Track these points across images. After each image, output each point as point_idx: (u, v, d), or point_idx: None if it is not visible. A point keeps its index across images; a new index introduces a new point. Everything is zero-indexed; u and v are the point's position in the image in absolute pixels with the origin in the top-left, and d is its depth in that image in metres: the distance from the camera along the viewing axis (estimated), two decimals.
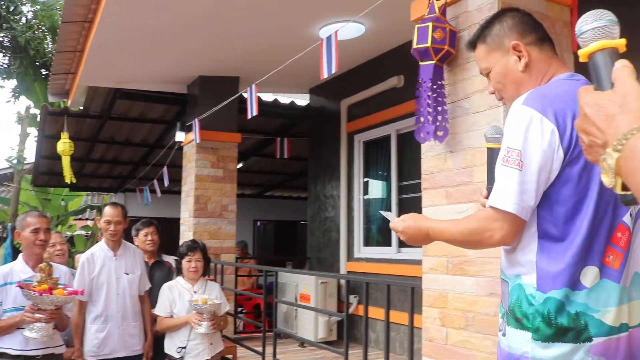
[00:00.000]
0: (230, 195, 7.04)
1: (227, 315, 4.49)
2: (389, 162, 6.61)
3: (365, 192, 7.08)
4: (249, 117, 4.81)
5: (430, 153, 3.16)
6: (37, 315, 3.21)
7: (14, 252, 8.05)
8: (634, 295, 1.49)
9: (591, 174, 1.45)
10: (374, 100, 6.77)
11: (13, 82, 13.02)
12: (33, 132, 14.14)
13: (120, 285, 3.97)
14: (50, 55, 11.71)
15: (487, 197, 1.74)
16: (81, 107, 8.22)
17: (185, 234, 6.90)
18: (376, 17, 5.13)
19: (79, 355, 3.83)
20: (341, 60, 3.88)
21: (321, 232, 7.72)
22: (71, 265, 4.98)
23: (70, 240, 13.03)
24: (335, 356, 5.48)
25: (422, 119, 3.01)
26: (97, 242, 4.84)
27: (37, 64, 12.34)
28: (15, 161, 13.52)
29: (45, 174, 10.81)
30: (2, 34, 11.83)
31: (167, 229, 6.11)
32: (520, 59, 1.68)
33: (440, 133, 2.98)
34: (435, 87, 2.96)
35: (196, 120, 6.30)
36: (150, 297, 4.17)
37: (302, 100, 8.73)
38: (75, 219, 15.22)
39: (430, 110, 2.97)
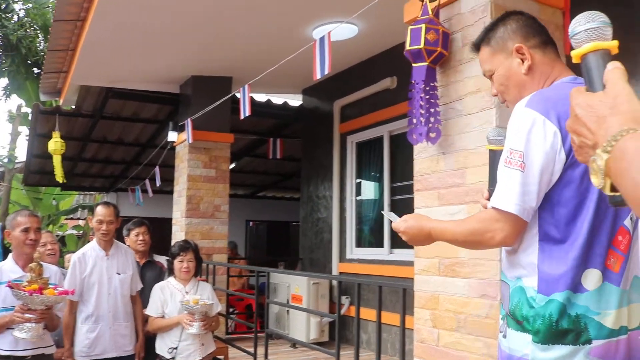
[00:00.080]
0: (222, 196, 7.03)
1: (219, 316, 4.47)
2: (382, 163, 6.62)
3: (358, 193, 7.08)
4: (242, 117, 4.81)
5: (423, 154, 3.16)
6: (27, 316, 3.18)
7: (4, 252, 8.00)
8: (633, 298, 1.50)
9: None
10: (366, 101, 6.78)
11: (4, 81, 12.96)
12: (24, 130, 14.07)
13: (112, 285, 3.95)
14: (42, 53, 11.66)
15: (488, 199, 1.76)
16: (73, 106, 8.18)
17: (177, 234, 6.88)
18: (369, 19, 5.14)
19: (69, 356, 3.80)
20: (334, 61, 3.88)
21: (313, 233, 7.72)
22: (61, 265, 4.95)
23: (62, 240, 12.97)
24: (326, 357, 5.47)
25: (414, 121, 3.02)
26: (88, 242, 4.82)
27: (29, 62, 12.29)
28: (6, 160, 13.45)
29: (37, 173, 10.75)
30: None
31: (159, 229, 6.09)
32: (523, 62, 1.69)
33: (432, 135, 2.98)
34: (427, 88, 2.97)
35: (189, 120, 6.29)
36: (141, 297, 4.16)
37: (295, 100, 8.73)
38: (66, 219, 15.15)
39: (422, 111, 2.97)
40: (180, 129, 7.01)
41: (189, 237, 6.14)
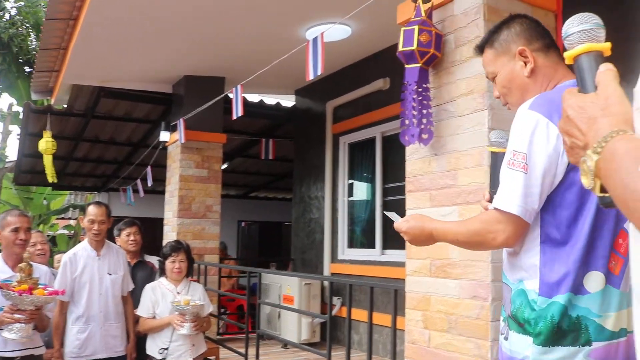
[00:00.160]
0: (214, 196, 7.01)
1: (210, 317, 4.46)
2: (374, 164, 6.62)
3: (350, 194, 7.09)
4: (234, 117, 4.80)
5: (415, 156, 3.17)
6: (17, 316, 3.15)
7: None
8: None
9: None
10: (359, 102, 6.78)
11: None
12: (15, 129, 14.00)
13: (103, 285, 3.93)
14: (34, 52, 11.60)
15: (489, 200, 1.78)
16: (65, 106, 8.14)
17: (169, 234, 6.86)
18: (363, 20, 5.14)
19: (59, 357, 3.78)
20: (327, 62, 3.88)
21: (305, 234, 7.72)
22: (51, 265, 4.92)
23: (53, 240, 12.89)
24: (318, 358, 5.46)
25: (407, 122, 3.02)
26: (79, 242, 4.79)
27: (21, 60, 12.22)
28: None
29: (28, 172, 10.69)
30: None
31: (150, 229, 6.07)
32: (526, 65, 1.70)
33: (425, 136, 2.99)
34: (420, 90, 2.97)
35: (181, 120, 6.27)
36: (132, 298, 4.14)
37: (288, 101, 8.72)
38: (57, 218, 15.06)
39: (415, 113, 2.97)
40: (172, 128, 6.99)
41: (180, 238, 6.12)
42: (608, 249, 1.48)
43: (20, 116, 11.32)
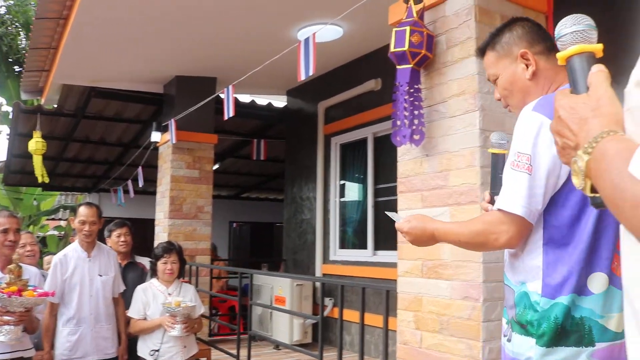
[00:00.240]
0: (206, 197, 6.99)
1: (202, 318, 4.45)
2: (366, 165, 6.63)
3: (342, 194, 7.09)
4: (226, 117, 4.79)
5: (407, 156, 3.17)
6: (6, 318, 3.13)
7: None
8: None
9: None
10: (351, 103, 6.78)
11: None
12: (5, 129, 13.90)
13: (94, 287, 3.90)
14: (23, 51, 11.53)
15: (489, 202, 1.79)
16: (55, 105, 8.10)
17: (160, 235, 6.83)
18: (354, 20, 5.14)
19: (49, 359, 3.75)
20: (319, 63, 3.88)
21: (297, 234, 7.71)
22: (40, 266, 4.89)
23: (43, 241, 12.81)
24: (310, 359, 5.45)
25: (398, 123, 3.02)
26: (69, 243, 4.76)
27: (10, 60, 12.15)
28: None
29: (17, 172, 10.62)
30: None
31: (141, 229, 6.05)
32: (527, 67, 1.71)
33: (416, 137, 2.99)
34: (412, 90, 2.97)
35: (172, 120, 6.25)
36: (122, 299, 4.12)
37: (280, 101, 8.72)
38: (48, 219, 14.96)
39: (406, 113, 2.98)
40: (163, 129, 6.96)
41: (171, 238, 6.10)
42: (611, 250, 1.49)
43: (10, 116, 11.25)
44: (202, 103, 5.89)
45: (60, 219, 15.22)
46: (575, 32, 1.08)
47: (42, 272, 4.00)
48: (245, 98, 8.22)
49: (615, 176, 0.77)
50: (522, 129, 1.54)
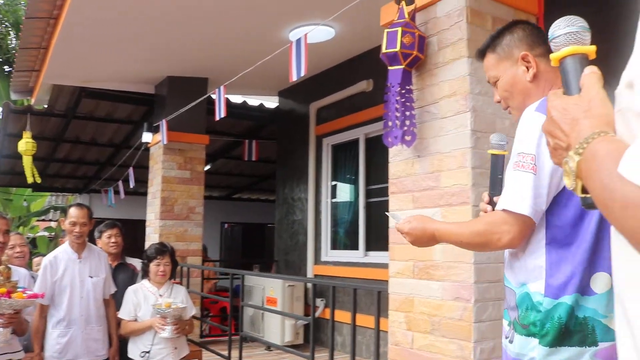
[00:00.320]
0: (197, 197, 6.97)
1: (193, 319, 4.43)
2: (357, 165, 6.63)
3: (333, 195, 7.09)
4: (217, 118, 4.77)
5: (398, 157, 3.17)
6: None
7: None
8: None
9: None
10: (343, 103, 6.79)
11: None
12: None
13: (84, 288, 3.88)
14: (13, 51, 11.46)
15: (489, 203, 1.79)
16: (45, 106, 8.05)
17: (152, 236, 6.80)
18: (346, 21, 5.14)
19: None
20: (311, 64, 3.88)
21: (289, 235, 7.70)
22: (30, 267, 4.85)
23: (33, 242, 12.73)
24: None
25: (390, 124, 3.03)
26: (59, 244, 4.73)
27: (0, 60, 12.06)
28: None
29: (7, 173, 10.55)
30: None
31: (132, 230, 6.02)
32: (528, 70, 1.73)
33: (407, 138, 3.00)
34: (403, 91, 2.98)
35: (164, 121, 6.22)
36: (113, 300, 4.09)
37: (271, 102, 8.71)
38: (38, 220, 14.86)
39: (398, 114, 2.98)
40: (154, 129, 6.94)
41: (163, 239, 6.07)
42: None
43: (0, 116, 11.17)
44: (193, 104, 5.87)
45: (50, 220, 15.12)
46: (568, 33, 1.09)
47: (31, 273, 3.98)
48: (237, 99, 8.21)
49: (605, 177, 0.77)
50: (525, 130, 1.55)
